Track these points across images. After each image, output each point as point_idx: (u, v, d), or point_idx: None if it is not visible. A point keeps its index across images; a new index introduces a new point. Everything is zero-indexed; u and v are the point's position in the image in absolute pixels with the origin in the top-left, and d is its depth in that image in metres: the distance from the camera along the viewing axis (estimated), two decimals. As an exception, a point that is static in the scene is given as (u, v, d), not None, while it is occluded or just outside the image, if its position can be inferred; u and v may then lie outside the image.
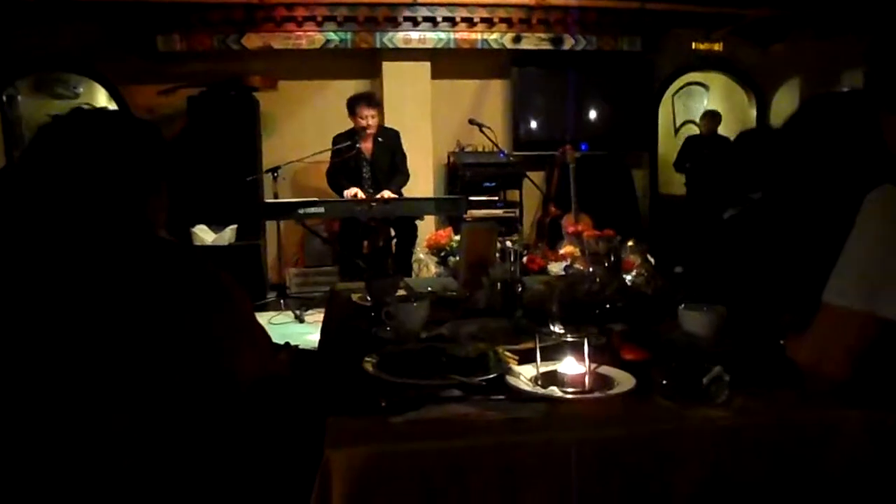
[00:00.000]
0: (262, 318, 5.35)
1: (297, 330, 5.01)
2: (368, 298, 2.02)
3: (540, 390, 1.29)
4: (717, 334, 1.46)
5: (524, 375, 1.36)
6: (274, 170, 5.23)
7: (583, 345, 1.33)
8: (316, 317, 5.32)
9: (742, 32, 6.83)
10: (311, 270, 6.21)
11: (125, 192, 1.23)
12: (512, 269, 1.93)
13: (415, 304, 1.65)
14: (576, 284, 1.77)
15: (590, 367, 1.31)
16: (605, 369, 1.35)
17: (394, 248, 5.25)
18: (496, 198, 6.07)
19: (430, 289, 2.18)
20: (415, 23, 5.95)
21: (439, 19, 5.97)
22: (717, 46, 6.99)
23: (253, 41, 5.81)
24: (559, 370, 1.33)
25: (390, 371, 1.37)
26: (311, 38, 5.84)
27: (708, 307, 1.49)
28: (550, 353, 1.42)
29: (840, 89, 6.80)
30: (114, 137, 1.25)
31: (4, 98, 6.39)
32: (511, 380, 1.33)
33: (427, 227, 5.44)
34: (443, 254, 3.91)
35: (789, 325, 1.33)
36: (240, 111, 5.88)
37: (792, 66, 7.00)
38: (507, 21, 6.08)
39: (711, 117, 7.27)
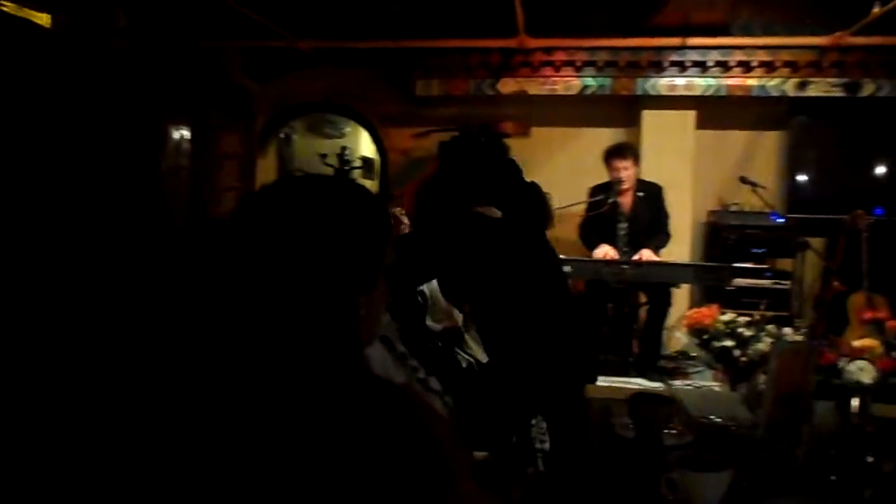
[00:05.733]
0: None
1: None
2: (630, 425, 1.62)
3: None
4: None
5: None
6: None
7: None
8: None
9: None
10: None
11: (326, 289, 0.94)
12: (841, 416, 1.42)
13: (713, 476, 1.19)
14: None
15: None
16: None
17: (641, 314, 4.74)
18: (765, 266, 5.26)
19: (713, 417, 1.71)
20: (682, 67, 5.41)
21: (710, 63, 5.37)
22: None
23: (507, 86, 5.68)
24: None
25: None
26: (568, 83, 5.58)
27: None
28: None
29: None
30: (317, 214, 0.96)
31: (282, 136, 7.02)
32: None
33: (680, 295, 4.87)
34: (705, 337, 3.39)
35: None
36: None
37: None
38: (792, 65, 5.30)
39: None
